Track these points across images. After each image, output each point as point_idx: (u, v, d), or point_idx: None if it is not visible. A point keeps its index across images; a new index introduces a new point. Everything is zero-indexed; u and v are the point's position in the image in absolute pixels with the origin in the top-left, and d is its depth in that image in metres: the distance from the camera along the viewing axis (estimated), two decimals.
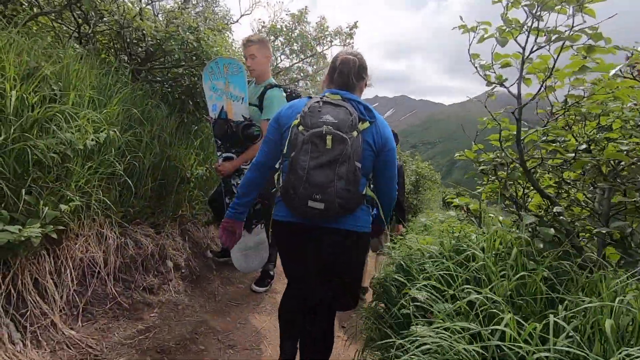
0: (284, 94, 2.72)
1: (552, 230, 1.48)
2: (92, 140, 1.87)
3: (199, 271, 3.04)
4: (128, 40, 3.27)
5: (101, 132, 1.96)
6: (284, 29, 5.26)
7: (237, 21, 5.69)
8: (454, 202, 2.27)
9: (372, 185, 1.56)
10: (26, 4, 2.85)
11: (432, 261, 1.67)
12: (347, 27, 5.87)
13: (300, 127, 1.37)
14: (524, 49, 1.58)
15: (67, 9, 3.23)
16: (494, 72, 1.71)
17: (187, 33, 2.91)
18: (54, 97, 2.00)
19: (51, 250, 1.91)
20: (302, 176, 1.32)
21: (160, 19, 3.40)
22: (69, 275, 1.90)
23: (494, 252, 1.50)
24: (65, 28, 3.32)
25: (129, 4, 3.29)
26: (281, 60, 5.77)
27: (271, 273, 3.15)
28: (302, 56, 5.56)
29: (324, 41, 5.59)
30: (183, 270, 2.87)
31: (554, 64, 1.54)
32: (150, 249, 2.62)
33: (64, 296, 1.86)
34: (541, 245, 1.45)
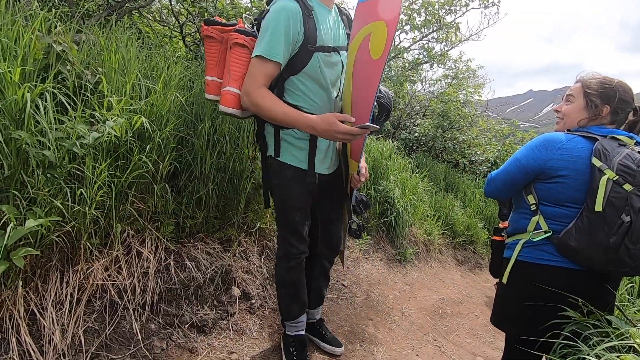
0: None
1: None
2: (101, 132, 1.39)
3: (275, 303, 2.39)
4: None
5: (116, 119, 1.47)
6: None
7: None
8: None
9: None
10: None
11: None
12: None
13: (627, 186, 1.23)
14: None
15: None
16: None
17: None
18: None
19: (66, 273, 1.52)
20: None
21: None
22: (73, 307, 1.47)
23: None
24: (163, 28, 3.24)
25: None
26: (400, 41, 4.68)
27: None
28: (426, 30, 4.33)
29: (458, 5, 4.22)
30: (253, 301, 2.27)
31: None
32: (210, 272, 2.10)
33: (68, 336, 1.43)
34: None
